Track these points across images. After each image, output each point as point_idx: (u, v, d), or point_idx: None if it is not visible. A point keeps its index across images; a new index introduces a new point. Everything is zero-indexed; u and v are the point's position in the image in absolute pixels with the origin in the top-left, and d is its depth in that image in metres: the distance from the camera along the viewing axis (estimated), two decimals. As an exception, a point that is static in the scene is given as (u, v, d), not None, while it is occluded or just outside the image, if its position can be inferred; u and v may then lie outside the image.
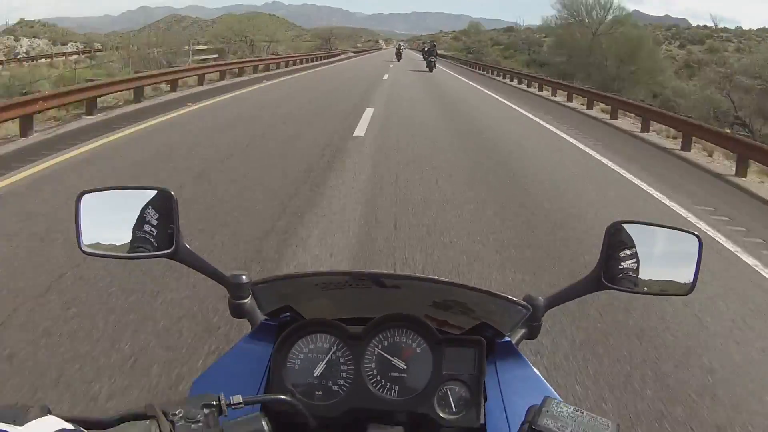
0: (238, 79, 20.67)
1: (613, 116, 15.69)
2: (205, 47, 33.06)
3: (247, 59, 26.85)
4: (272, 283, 1.11)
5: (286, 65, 28.88)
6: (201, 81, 17.85)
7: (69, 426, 0.67)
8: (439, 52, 39.01)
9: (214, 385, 0.93)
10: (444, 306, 1.09)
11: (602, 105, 17.22)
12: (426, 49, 59.38)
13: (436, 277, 1.04)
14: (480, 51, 63.96)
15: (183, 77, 16.62)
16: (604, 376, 3.00)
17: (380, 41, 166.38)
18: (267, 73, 24.21)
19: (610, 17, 40.57)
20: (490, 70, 36.97)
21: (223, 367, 1.12)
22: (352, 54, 58.56)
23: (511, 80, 29.67)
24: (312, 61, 36.10)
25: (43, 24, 72.21)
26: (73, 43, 48.30)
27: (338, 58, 47.67)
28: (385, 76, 25.91)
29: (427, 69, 33.44)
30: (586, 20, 41.68)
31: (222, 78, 19.88)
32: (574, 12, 41.80)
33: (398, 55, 46.47)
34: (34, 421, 0.66)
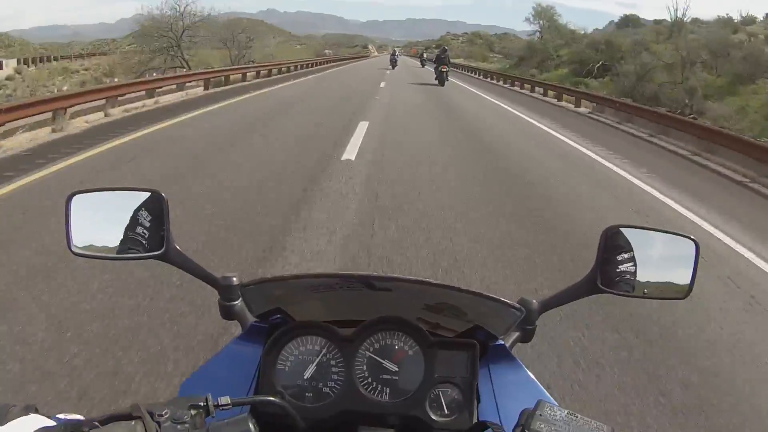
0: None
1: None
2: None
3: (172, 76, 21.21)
4: (262, 285, 1.11)
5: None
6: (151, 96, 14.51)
7: (52, 423, 0.67)
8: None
9: (204, 386, 0.92)
10: (437, 309, 1.09)
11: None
12: (424, 56, 54.25)
13: (429, 280, 1.04)
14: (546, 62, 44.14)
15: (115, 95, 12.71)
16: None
17: (370, 47, 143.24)
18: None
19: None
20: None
21: (212, 369, 1.11)
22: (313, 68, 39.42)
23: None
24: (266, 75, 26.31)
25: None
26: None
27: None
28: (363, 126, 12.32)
29: (437, 82, 26.35)
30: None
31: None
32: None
33: (393, 63, 43.62)
34: (16, 420, 0.65)
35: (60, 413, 0.74)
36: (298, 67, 34.89)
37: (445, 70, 26.26)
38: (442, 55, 27.12)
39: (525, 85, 27.92)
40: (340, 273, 1.05)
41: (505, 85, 30.66)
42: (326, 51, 77.42)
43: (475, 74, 42.22)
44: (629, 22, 52.03)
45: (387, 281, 1.05)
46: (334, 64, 50.09)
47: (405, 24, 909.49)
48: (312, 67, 39.16)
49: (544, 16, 53.24)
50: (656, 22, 45.40)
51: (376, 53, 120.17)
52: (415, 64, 55.23)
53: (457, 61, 58.23)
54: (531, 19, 53.28)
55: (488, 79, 36.29)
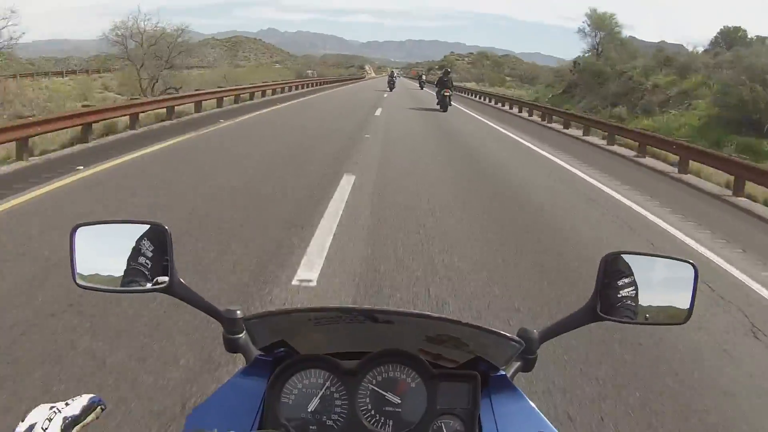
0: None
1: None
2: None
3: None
4: (265, 319, 1.11)
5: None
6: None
7: None
8: (455, 83, 29.50)
9: (209, 420, 0.93)
10: (438, 340, 1.09)
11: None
12: (423, 78, 51.64)
13: (429, 313, 1.05)
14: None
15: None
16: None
17: (367, 67, 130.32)
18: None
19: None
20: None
21: (217, 402, 1.11)
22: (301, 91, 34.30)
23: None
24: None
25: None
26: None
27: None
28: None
29: (439, 108, 24.25)
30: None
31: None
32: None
33: (390, 85, 41.73)
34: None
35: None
36: (265, 92, 26.38)
37: (448, 94, 24.33)
38: (445, 78, 25.10)
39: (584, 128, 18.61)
40: (342, 306, 1.05)
41: (546, 123, 22.34)
42: (308, 71, 64.60)
43: (500, 104, 31.45)
44: (732, 38, 32.98)
45: (388, 314, 1.06)
46: (321, 86, 41.99)
47: (405, 45, 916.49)
48: (288, 90, 31.36)
49: (603, 25, 36.74)
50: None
51: (373, 74, 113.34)
52: (414, 86, 52.98)
53: (467, 85, 52.52)
54: (586, 30, 37.11)
55: (523, 114, 26.28)
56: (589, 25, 37.14)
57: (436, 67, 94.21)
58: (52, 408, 0.78)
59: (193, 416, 1.09)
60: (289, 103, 24.45)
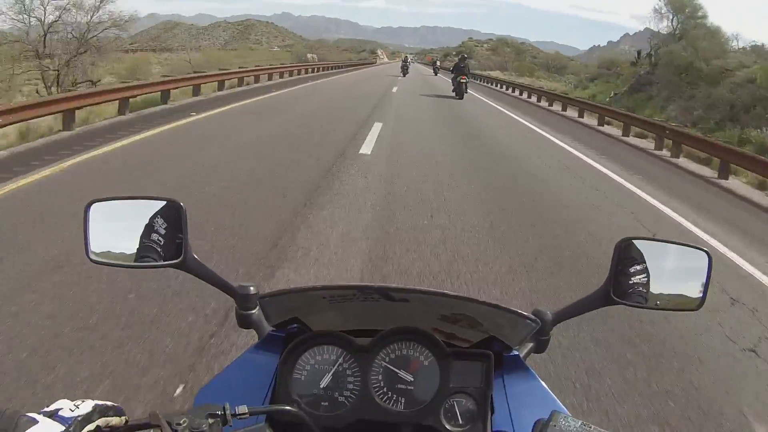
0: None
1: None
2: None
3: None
4: (280, 297, 1.11)
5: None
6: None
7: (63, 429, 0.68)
8: (474, 71, 28.78)
9: (220, 394, 0.93)
10: (452, 319, 1.09)
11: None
12: (437, 64, 50.46)
13: (445, 291, 1.05)
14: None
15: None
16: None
17: (379, 52, 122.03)
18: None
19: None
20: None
21: (229, 377, 1.12)
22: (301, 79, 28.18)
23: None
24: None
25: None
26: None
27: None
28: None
29: (455, 95, 22.82)
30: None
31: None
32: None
33: (404, 70, 41.18)
34: (31, 430, 0.67)
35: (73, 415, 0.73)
36: (242, 80, 20.59)
37: (464, 81, 22.89)
38: (462, 63, 23.67)
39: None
40: (358, 285, 1.05)
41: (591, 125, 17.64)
42: (309, 55, 57.87)
43: (541, 101, 25.55)
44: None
45: (405, 292, 1.06)
46: (324, 71, 36.85)
47: (419, 31, 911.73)
48: (281, 77, 25.90)
49: (683, 9, 27.41)
50: None
51: (386, 59, 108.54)
52: (428, 72, 52.09)
53: (492, 74, 47.86)
54: (664, 10, 27.72)
55: (568, 113, 20.84)
56: (666, 4, 27.54)
57: (453, 53, 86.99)
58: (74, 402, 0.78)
59: (204, 391, 1.09)
60: (277, 93, 19.13)
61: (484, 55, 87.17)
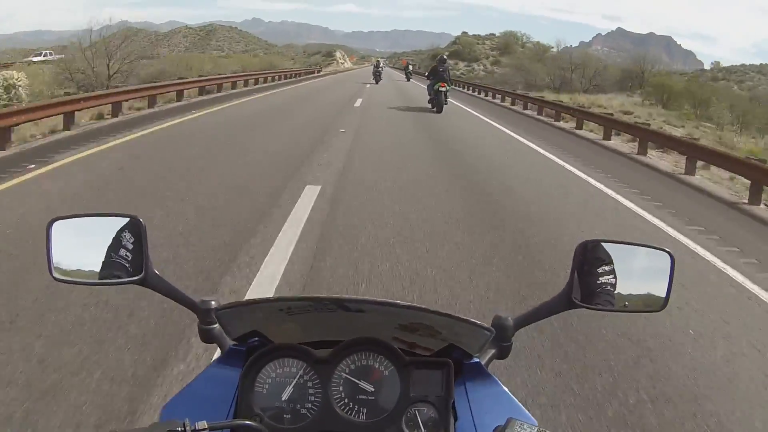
0: None
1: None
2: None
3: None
4: (237, 309, 1.12)
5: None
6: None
7: None
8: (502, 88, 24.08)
9: (183, 410, 0.94)
10: (411, 329, 1.10)
11: None
12: (410, 68, 45.72)
13: (397, 302, 1.05)
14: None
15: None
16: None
17: (338, 54, 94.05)
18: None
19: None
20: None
21: (191, 393, 1.12)
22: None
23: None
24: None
25: None
26: None
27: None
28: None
29: (430, 106, 18.62)
30: None
31: None
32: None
33: (376, 77, 37.35)
34: None
35: None
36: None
37: (443, 89, 18.05)
38: (440, 67, 18.33)
39: None
40: (312, 296, 1.06)
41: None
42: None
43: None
44: None
45: (359, 303, 1.07)
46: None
47: (390, 35, 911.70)
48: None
49: None
50: None
51: (348, 64, 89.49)
52: (401, 77, 47.24)
53: (548, 97, 26.01)
54: None
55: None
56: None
57: (446, 54, 60.84)
58: None
59: (168, 407, 1.09)
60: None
61: (487, 54, 65.27)
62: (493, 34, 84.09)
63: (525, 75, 46.70)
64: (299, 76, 42.57)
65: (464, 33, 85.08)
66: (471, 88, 35.75)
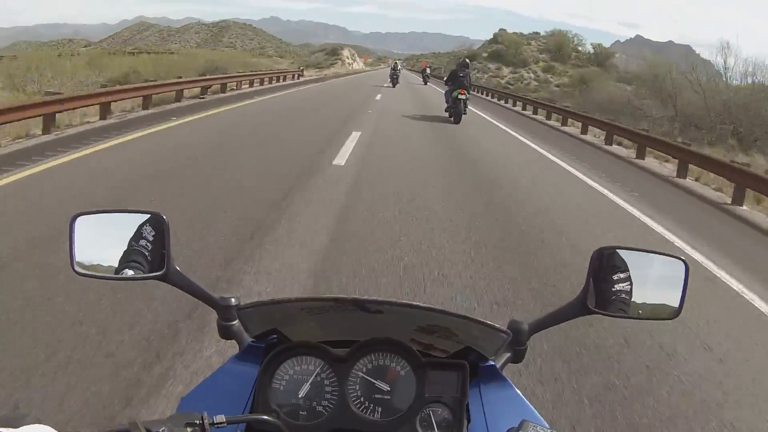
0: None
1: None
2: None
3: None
4: (258, 308, 1.14)
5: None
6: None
7: None
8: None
9: (201, 404, 0.95)
10: (429, 330, 1.11)
11: None
12: (427, 71, 41.66)
13: (417, 303, 1.07)
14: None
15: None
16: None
17: (345, 53, 75.01)
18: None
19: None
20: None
21: (209, 387, 1.14)
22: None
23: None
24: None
25: None
26: None
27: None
28: None
29: (448, 115, 16.46)
30: None
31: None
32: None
33: (393, 80, 34.30)
34: (27, 427, 0.70)
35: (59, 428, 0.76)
36: None
37: (463, 97, 15.91)
38: (461, 72, 16.28)
39: None
40: (334, 297, 1.08)
41: None
42: None
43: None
44: None
45: (378, 304, 1.08)
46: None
47: (408, 37, 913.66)
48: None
49: None
50: None
51: (359, 65, 77.55)
52: (419, 80, 43.59)
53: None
54: None
55: None
56: None
57: (485, 54, 56.02)
58: None
59: (185, 400, 1.11)
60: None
61: (536, 57, 49.50)
62: (538, 33, 63.48)
63: (605, 95, 29.51)
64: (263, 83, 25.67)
65: (500, 30, 61.75)
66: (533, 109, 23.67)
